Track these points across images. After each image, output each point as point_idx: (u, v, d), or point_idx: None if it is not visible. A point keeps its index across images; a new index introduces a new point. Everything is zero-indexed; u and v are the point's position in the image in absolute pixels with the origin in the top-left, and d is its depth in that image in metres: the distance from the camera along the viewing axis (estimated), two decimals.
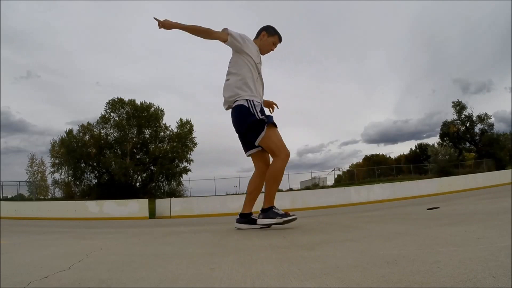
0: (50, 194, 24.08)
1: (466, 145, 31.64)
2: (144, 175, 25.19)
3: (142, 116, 24.97)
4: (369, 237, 1.46)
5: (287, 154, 2.19)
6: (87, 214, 12.01)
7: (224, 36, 2.20)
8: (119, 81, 43.84)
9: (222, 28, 2.24)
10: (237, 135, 2.36)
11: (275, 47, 2.46)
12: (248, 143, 2.29)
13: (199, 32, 2.19)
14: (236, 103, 2.20)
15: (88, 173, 24.51)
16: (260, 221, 2.20)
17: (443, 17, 52.73)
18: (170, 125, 26.07)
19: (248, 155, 2.36)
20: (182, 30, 2.17)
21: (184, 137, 25.21)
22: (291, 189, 21.50)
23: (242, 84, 2.20)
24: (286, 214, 2.16)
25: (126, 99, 25.21)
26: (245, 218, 2.37)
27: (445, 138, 31.36)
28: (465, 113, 30.63)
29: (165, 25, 2.16)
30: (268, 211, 2.18)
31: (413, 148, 39.97)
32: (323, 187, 23.55)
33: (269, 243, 1.51)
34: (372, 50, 57.58)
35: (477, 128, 30.58)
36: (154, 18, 2.18)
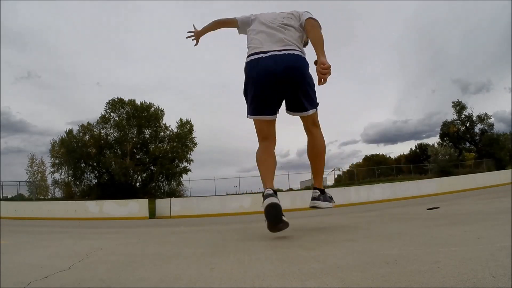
0: (50, 194, 24.10)
1: (466, 145, 31.65)
2: (144, 175, 25.19)
3: (142, 116, 24.98)
4: (369, 237, 1.46)
5: None
6: (87, 214, 12.00)
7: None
8: (119, 81, 43.84)
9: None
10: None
11: None
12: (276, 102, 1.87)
13: (215, 28, 2.29)
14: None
15: (88, 173, 24.52)
16: (323, 204, 2.02)
17: (443, 17, 52.76)
18: (170, 125, 26.12)
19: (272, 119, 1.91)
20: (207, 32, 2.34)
21: (184, 137, 25.21)
22: (291, 189, 21.49)
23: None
24: (332, 198, 2.09)
25: (126, 99, 25.26)
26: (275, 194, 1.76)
27: (445, 138, 31.37)
28: (465, 113, 30.68)
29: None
30: (325, 193, 2.06)
31: (413, 148, 39.97)
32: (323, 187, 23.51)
33: (269, 243, 1.51)
34: (372, 50, 57.58)
35: (477, 128, 30.63)
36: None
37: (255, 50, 1.84)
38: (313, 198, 2.03)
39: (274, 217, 1.55)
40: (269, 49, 1.79)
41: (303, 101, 1.83)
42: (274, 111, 1.89)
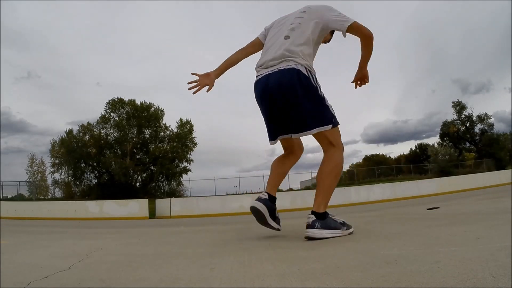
0: (50, 194, 24.11)
1: (466, 145, 31.67)
2: (144, 175, 25.20)
3: (142, 116, 24.99)
4: (369, 237, 1.46)
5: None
6: (87, 214, 12.01)
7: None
8: (119, 81, 43.85)
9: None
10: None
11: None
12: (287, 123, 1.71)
13: (237, 60, 1.94)
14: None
15: (88, 173, 24.54)
16: (319, 233, 1.51)
17: (443, 17, 52.75)
18: (170, 125, 26.14)
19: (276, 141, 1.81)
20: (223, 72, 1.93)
21: (184, 137, 25.23)
22: (291, 189, 21.50)
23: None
24: (345, 223, 1.64)
25: (126, 99, 25.28)
26: (273, 202, 1.76)
27: (445, 138, 31.39)
28: (465, 113, 30.70)
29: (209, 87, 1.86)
30: (326, 219, 1.56)
31: (413, 148, 39.96)
32: None
33: (269, 243, 1.51)
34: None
35: (477, 128, 30.66)
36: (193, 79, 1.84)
37: (257, 72, 1.80)
38: (307, 226, 1.54)
39: (258, 219, 1.73)
40: (265, 67, 1.72)
41: (303, 118, 1.64)
42: (276, 135, 1.76)
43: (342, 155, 1.75)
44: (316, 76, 1.72)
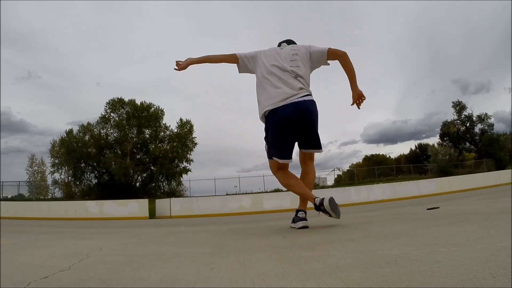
0: (50, 194, 24.10)
1: (466, 145, 31.65)
2: (144, 175, 25.18)
3: (142, 116, 24.97)
4: (369, 237, 1.46)
5: None
6: (87, 214, 12.00)
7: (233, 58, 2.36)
8: (119, 81, 43.86)
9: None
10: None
11: None
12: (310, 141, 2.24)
13: (212, 61, 2.40)
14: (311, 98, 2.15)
15: (88, 173, 24.52)
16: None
17: (443, 17, 52.73)
18: (170, 125, 26.12)
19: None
20: (198, 63, 2.40)
21: (184, 137, 25.21)
22: None
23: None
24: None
25: (126, 99, 25.26)
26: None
27: (445, 138, 31.37)
28: (465, 113, 30.69)
29: (181, 66, 2.38)
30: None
31: (413, 148, 39.95)
32: (323, 187, 23.53)
33: (269, 243, 1.51)
34: (371, 50, 57.53)
35: (477, 128, 30.64)
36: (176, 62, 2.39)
37: (276, 99, 2.06)
38: (304, 219, 2.22)
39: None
40: (288, 97, 2.04)
41: (319, 140, 2.19)
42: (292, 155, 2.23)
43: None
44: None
